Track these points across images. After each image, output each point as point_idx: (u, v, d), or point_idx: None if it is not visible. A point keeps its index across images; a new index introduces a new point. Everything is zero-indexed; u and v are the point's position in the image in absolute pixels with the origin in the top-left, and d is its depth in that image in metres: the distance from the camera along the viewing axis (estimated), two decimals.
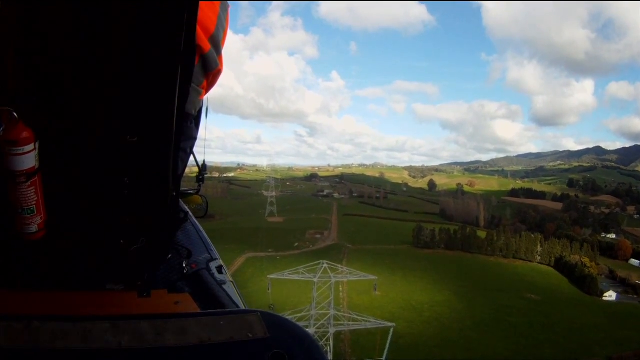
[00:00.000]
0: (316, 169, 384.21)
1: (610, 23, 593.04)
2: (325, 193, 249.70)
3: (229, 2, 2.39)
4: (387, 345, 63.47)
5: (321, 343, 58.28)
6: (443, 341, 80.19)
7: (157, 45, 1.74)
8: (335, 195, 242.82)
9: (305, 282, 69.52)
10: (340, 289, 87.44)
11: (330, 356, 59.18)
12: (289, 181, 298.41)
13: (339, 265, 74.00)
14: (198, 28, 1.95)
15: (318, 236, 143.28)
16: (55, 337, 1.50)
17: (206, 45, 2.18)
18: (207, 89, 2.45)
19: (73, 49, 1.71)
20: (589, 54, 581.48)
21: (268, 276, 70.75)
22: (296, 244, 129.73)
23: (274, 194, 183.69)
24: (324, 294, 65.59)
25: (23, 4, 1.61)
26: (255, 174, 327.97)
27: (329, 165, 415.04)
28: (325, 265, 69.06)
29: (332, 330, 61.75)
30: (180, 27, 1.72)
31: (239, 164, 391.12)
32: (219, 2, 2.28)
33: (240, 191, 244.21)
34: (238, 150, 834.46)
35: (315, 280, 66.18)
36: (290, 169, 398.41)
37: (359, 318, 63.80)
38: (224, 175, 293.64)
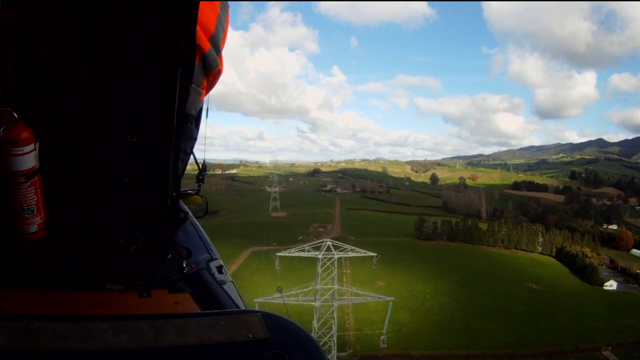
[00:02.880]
0: (319, 164, 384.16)
1: (612, 14, 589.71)
2: (328, 188, 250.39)
3: (229, 2, 2.44)
4: (387, 318, 67.31)
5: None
6: (445, 329, 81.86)
7: (157, 45, 1.74)
8: (338, 190, 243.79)
9: (311, 271, 71.22)
10: (344, 279, 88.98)
11: (334, 328, 62.67)
12: (292, 177, 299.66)
13: (342, 243, 76.57)
14: (198, 28, 1.97)
15: (321, 230, 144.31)
16: (55, 337, 1.49)
17: (206, 45, 2.21)
18: (208, 89, 2.49)
19: (73, 49, 1.71)
20: (590, 46, 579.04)
21: (276, 254, 73.47)
22: (300, 237, 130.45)
23: (277, 189, 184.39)
24: (327, 269, 68.45)
25: (23, 4, 1.61)
26: (258, 170, 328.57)
27: (331, 161, 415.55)
28: (328, 243, 72.27)
29: (335, 304, 64.89)
30: (180, 27, 1.73)
31: (241, 161, 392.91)
32: (219, 2, 2.31)
33: (243, 187, 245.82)
34: (241, 147, 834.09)
35: (320, 256, 69.11)
36: (293, 165, 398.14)
37: (360, 293, 67.18)
38: (227, 172, 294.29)
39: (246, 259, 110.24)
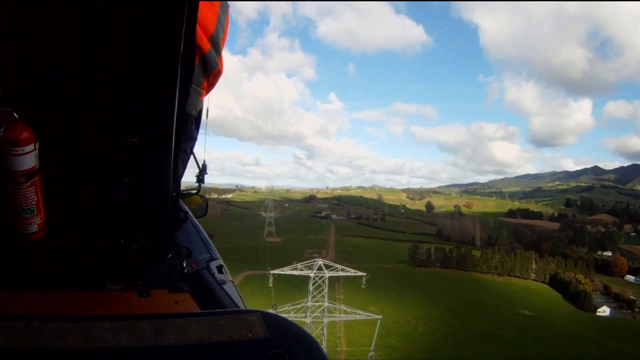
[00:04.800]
0: (314, 191, 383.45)
1: (608, 42, 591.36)
2: (323, 214, 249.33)
3: (229, 2, 2.45)
4: (375, 336, 69.03)
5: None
6: (437, 354, 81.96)
7: (157, 45, 1.72)
8: (333, 216, 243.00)
9: (303, 295, 72.22)
10: (337, 296, 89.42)
11: (324, 342, 63.98)
12: (287, 203, 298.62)
13: (333, 263, 79.20)
14: (198, 28, 1.96)
15: (316, 255, 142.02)
16: (55, 337, 1.49)
17: (206, 46, 2.21)
18: (208, 90, 2.51)
19: (73, 49, 1.70)
20: (586, 74, 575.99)
21: (270, 271, 75.64)
22: (294, 263, 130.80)
23: (272, 214, 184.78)
24: (318, 287, 70.61)
25: (23, 4, 1.59)
26: (253, 195, 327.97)
27: (327, 188, 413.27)
28: (320, 262, 74.79)
29: (325, 320, 67.31)
30: (180, 27, 1.71)
31: (237, 186, 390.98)
32: (218, 3, 2.33)
33: (239, 212, 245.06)
34: (237, 172, 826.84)
35: (311, 275, 71.78)
36: (288, 191, 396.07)
37: (349, 310, 69.07)
38: (223, 196, 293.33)
39: (240, 283, 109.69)
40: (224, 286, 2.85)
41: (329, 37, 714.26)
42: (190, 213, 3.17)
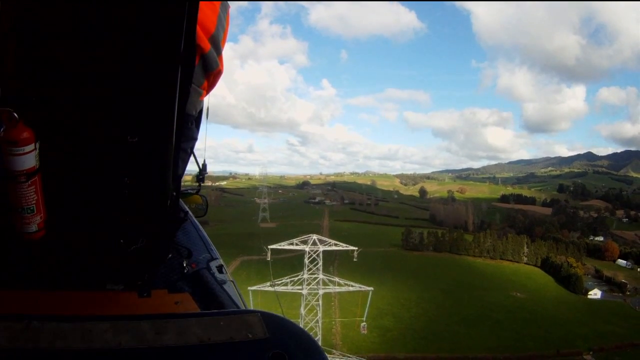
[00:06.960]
0: (308, 177, 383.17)
1: (602, 28, 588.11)
2: (317, 200, 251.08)
3: (229, 2, 2.45)
4: (367, 306, 71.79)
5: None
6: (430, 334, 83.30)
7: (157, 45, 1.73)
8: (327, 202, 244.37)
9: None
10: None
11: (320, 314, 66.75)
12: (281, 189, 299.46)
13: (326, 238, 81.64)
14: (198, 28, 1.96)
15: None
16: (55, 337, 1.49)
17: (206, 46, 2.20)
18: (208, 90, 2.49)
19: (73, 49, 1.70)
20: (579, 60, 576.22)
21: (268, 246, 78.84)
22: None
23: (266, 200, 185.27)
24: (313, 261, 73.48)
25: (22, 4, 1.60)
26: (247, 182, 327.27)
27: (320, 174, 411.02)
28: (314, 237, 77.30)
29: (321, 291, 69.95)
30: (180, 27, 1.71)
31: (231, 173, 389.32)
32: (219, 2, 2.32)
33: (233, 199, 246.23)
34: (230, 160, 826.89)
35: (307, 249, 74.65)
36: (282, 177, 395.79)
37: (342, 283, 71.55)
38: (217, 184, 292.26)
39: (235, 269, 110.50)
40: (224, 286, 2.88)
41: (321, 23, 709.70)
42: (190, 213, 3.19)
